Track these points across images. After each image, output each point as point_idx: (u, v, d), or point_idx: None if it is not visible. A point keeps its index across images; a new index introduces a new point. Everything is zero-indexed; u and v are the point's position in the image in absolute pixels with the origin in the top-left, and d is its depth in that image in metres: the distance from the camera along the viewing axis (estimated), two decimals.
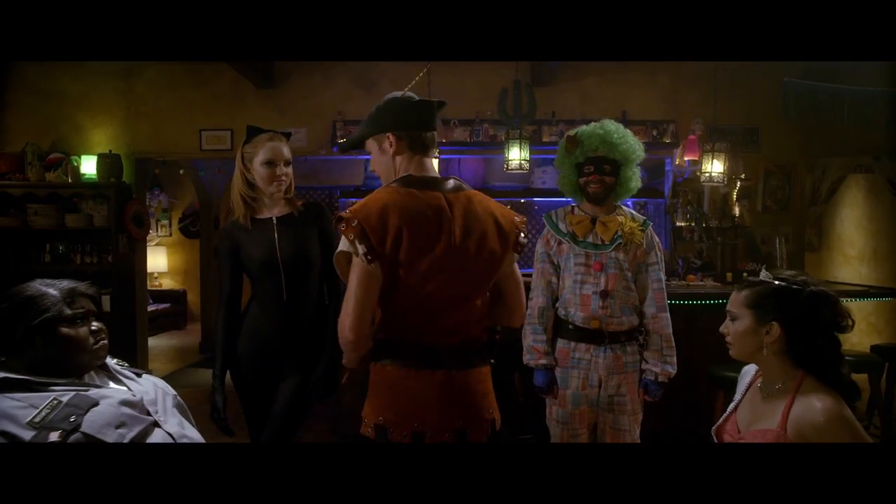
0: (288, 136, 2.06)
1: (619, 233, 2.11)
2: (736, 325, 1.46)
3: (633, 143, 2.13)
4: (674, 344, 2.13)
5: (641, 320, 2.15)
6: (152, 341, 6.67)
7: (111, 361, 1.47)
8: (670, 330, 2.14)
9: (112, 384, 1.40)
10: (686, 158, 4.49)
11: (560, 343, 2.16)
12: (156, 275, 7.94)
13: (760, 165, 4.75)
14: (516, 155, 3.57)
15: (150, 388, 1.45)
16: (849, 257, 5.57)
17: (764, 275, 1.47)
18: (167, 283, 8.12)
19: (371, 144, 1.51)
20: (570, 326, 2.13)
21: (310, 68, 4.79)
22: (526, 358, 2.16)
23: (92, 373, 1.39)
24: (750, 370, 1.58)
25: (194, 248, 7.67)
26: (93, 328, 1.39)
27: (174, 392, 1.52)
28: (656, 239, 2.21)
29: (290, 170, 2.02)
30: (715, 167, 3.64)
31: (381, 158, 1.50)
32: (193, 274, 7.66)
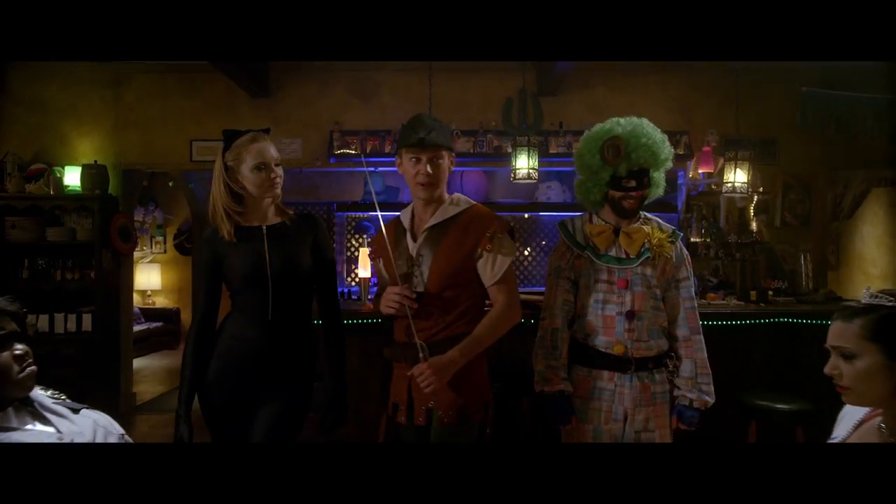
0: (267, 132, 1.84)
1: (647, 245, 1.87)
2: (857, 365, 1.16)
3: (669, 150, 1.90)
4: (709, 370, 1.89)
5: (671, 343, 1.90)
6: (143, 361, 6.41)
7: (42, 394, 1.21)
8: (705, 354, 1.89)
9: (37, 424, 1.14)
10: (700, 171, 4.26)
11: (578, 370, 1.90)
12: (149, 292, 7.70)
13: (778, 178, 4.52)
14: (524, 164, 3.34)
15: (88, 427, 1.19)
16: (871, 276, 5.30)
17: (872, 297, 1.19)
18: (160, 301, 7.86)
19: (447, 154, 1.75)
20: (591, 352, 1.87)
21: (306, 77, 4.61)
22: (539, 385, 1.88)
23: (10, 410, 1.13)
24: (856, 410, 1.29)
25: (188, 265, 7.45)
26: (16, 352, 1.14)
27: (120, 430, 1.27)
28: (686, 251, 1.97)
29: (281, 170, 1.80)
30: (738, 177, 3.40)
31: (448, 170, 1.77)
32: (187, 291, 7.43)
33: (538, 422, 2.34)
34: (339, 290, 4.68)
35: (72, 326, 4.11)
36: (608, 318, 1.86)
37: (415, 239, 1.76)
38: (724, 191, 3.47)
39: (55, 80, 4.47)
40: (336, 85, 4.61)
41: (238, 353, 1.76)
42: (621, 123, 1.89)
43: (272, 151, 1.78)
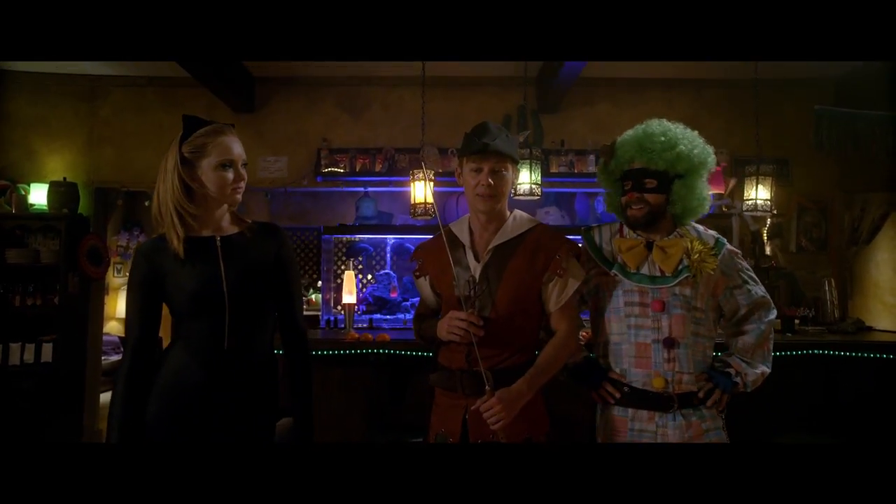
0: (232, 127, 1.55)
1: (685, 261, 1.59)
2: None
3: (687, 148, 1.59)
4: (771, 351, 1.67)
5: (729, 341, 1.69)
6: None
7: None
8: (772, 339, 1.68)
9: None
10: (710, 192, 4.01)
11: (611, 411, 1.62)
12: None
13: (793, 200, 4.27)
14: (526, 178, 3.07)
15: None
16: (889, 306, 5.02)
17: None
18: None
19: (512, 166, 1.63)
20: (625, 388, 1.58)
21: (292, 91, 4.37)
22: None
23: None
24: None
25: None
26: None
27: None
28: (738, 259, 1.68)
29: (245, 172, 1.52)
30: (760, 194, 3.13)
31: (511, 184, 1.66)
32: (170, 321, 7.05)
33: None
34: (326, 318, 4.38)
35: (29, 357, 3.75)
36: (642, 346, 1.58)
37: (477, 258, 1.62)
38: (744, 209, 3.20)
39: (24, 93, 4.22)
40: (324, 100, 4.37)
41: (183, 393, 1.44)
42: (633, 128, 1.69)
43: (239, 149, 1.51)
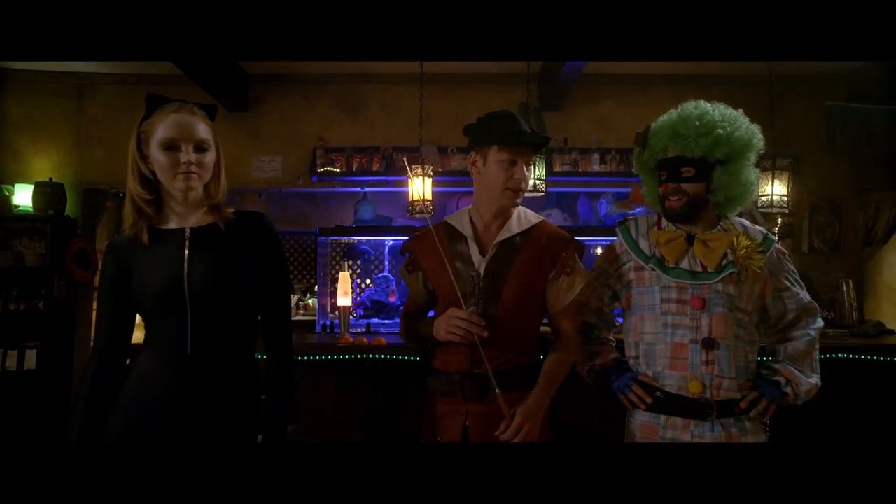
0: (210, 110, 1.39)
1: (729, 256, 1.45)
2: None
3: (726, 131, 1.44)
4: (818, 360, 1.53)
5: (776, 347, 1.55)
6: None
7: None
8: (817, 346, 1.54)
9: None
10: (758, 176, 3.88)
11: (641, 417, 1.49)
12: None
13: (804, 200, 4.14)
14: (530, 174, 2.91)
15: None
16: None
17: None
18: (138, 337, 7.30)
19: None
20: (658, 392, 1.45)
21: (287, 89, 4.25)
22: (584, 365, 1.61)
23: None
24: None
25: None
26: None
27: None
28: (785, 260, 1.55)
29: (207, 158, 1.33)
30: (776, 189, 2.99)
31: None
32: None
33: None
34: (322, 322, 4.23)
35: (11, 364, 3.60)
36: (678, 346, 1.44)
37: (482, 253, 1.53)
38: (759, 206, 3.06)
39: (9, 91, 4.09)
40: (320, 98, 4.25)
41: (147, 401, 1.29)
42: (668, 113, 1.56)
43: (196, 129, 1.31)
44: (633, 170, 1.74)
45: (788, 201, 3.03)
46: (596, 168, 4.13)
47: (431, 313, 1.70)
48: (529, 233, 1.54)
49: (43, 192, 3.83)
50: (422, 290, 1.62)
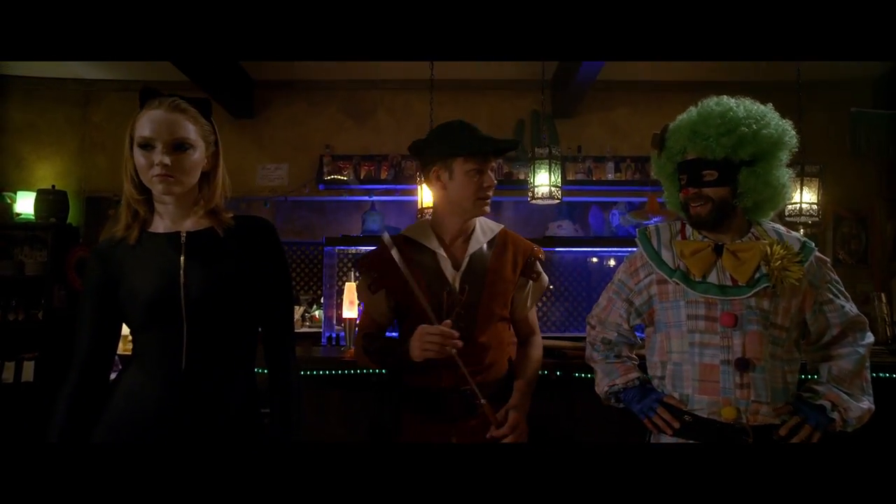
0: (202, 105, 1.28)
1: (763, 269, 1.31)
2: None
3: (751, 129, 1.30)
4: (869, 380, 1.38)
5: (818, 366, 1.41)
6: None
7: None
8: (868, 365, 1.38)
9: None
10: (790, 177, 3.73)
11: (667, 441, 1.35)
12: (130, 338, 7.08)
13: (829, 209, 3.97)
14: (545, 180, 2.79)
15: None
16: None
17: None
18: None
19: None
20: (686, 417, 1.31)
21: (294, 95, 4.17)
22: (603, 385, 1.49)
23: None
24: None
25: None
26: None
27: None
28: (827, 269, 1.39)
29: (189, 158, 1.20)
30: (805, 197, 2.85)
31: None
32: None
33: None
34: (328, 335, 4.11)
35: (9, 376, 3.51)
36: (708, 367, 1.30)
37: (456, 267, 1.50)
38: (787, 215, 2.91)
39: (13, 97, 4.04)
40: (327, 104, 4.16)
41: (134, 422, 1.17)
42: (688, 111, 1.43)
43: (173, 127, 1.18)
44: (651, 175, 1.64)
45: (819, 210, 2.88)
46: (610, 177, 4.00)
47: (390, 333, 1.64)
48: (494, 241, 1.55)
49: (45, 199, 3.77)
50: (384, 310, 1.54)
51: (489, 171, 1.46)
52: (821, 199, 2.91)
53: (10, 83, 4.03)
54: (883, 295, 3.11)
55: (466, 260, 1.49)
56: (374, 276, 1.52)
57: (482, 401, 1.37)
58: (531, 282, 1.54)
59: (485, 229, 1.55)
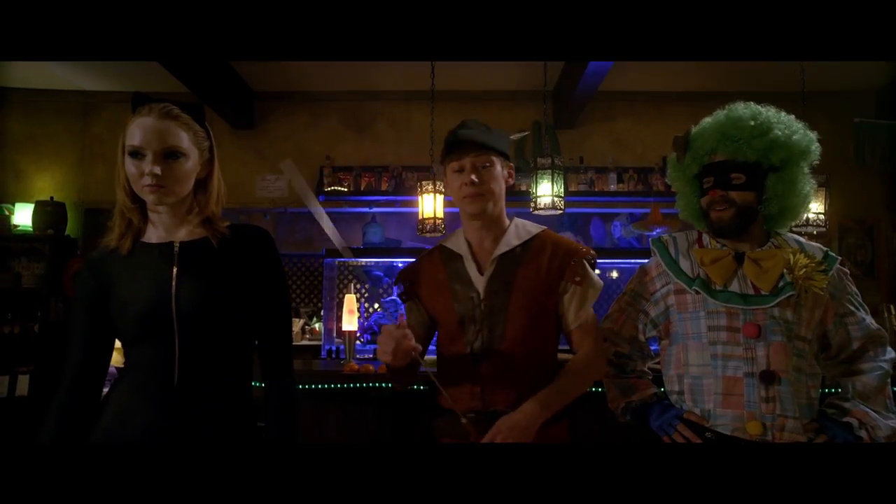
0: (194, 111, 1.24)
1: (787, 277, 1.27)
2: None
3: (784, 134, 1.28)
4: (892, 397, 1.32)
5: (841, 380, 1.36)
6: None
7: None
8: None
9: None
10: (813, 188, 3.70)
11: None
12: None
13: (833, 220, 3.94)
14: (547, 190, 2.76)
15: None
16: None
17: None
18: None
19: (499, 160, 1.40)
20: (708, 434, 1.26)
21: (294, 106, 4.15)
22: (620, 402, 1.42)
23: None
24: None
25: None
26: None
27: None
28: (847, 281, 1.35)
29: (181, 167, 1.16)
30: (813, 207, 2.81)
31: (504, 181, 1.43)
32: None
33: None
34: (328, 348, 4.06)
35: (2, 390, 3.45)
36: (732, 380, 1.25)
37: (480, 270, 1.39)
38: (793, 224, 2.88)
39: (13, 109, 4.03)
40: (327, 115, 4.15)
41: (124, 440, 1.13)
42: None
43: (163, 135, 1.14)
44: (653, 187, 1.58)
45: (826, 219, 2.84)
46: (612, 188, 3.97)
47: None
48: (530, 244, 1.39)
49: (43, 211, 3.74)
50: (421, 320, 1.46)
51: (470, 168, 1.35)
52: (826, 210, 2.87)
53: (10, 95, 4.03)
54: (892, 307, 3.07)
55: (493, 263, 1.38)
56: (407, 284, 1.48)
57: (464, 420, 1.27)
58: (575, 287, 1.35)
59: (520, 231, 1.43)
